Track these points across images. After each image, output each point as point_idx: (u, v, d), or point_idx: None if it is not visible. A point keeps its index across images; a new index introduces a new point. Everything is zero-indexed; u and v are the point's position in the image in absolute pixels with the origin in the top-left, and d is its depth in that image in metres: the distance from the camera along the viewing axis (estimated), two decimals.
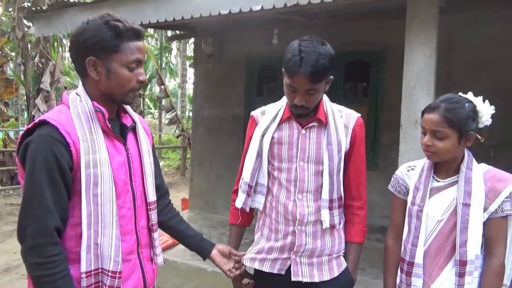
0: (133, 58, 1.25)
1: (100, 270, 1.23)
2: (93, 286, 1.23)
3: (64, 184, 1.18)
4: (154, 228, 1.41)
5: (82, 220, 1.19)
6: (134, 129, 1.40)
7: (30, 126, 1.21)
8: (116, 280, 1.24)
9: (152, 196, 1.40)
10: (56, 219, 1.16)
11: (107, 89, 1.27)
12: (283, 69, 1.48)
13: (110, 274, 1.23)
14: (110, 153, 1.26)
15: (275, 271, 1.61)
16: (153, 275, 1.44)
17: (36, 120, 1.21)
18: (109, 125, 1.26)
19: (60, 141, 1.17)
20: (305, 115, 1.56)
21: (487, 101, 1.45)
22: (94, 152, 1.21)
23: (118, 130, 1.34)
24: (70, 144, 1.18)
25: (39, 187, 1.14)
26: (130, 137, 1.37)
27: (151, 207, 1.40)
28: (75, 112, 1.23)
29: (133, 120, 1.40)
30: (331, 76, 1.50)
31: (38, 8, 4.53)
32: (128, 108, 1.41)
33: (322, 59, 1.40)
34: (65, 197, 1.19)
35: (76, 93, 1.28)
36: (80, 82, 1.31)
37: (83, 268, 1.20)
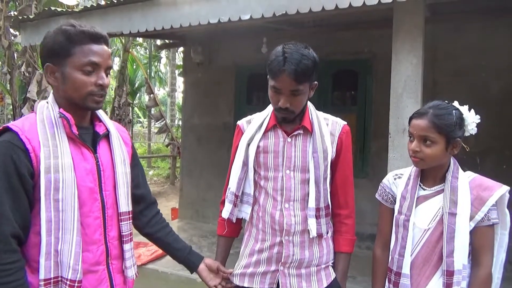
0: (86, 60, 1.23)
1: (59, 279, 1.19)
2: None
3: (25, 191, 1.16)
4: (125, 239, 1.36)
5: (41, 225, 1.17)
6: (108, 138, 1.37)
7: None
8: None
9: (124, 206, 1.35)
10: (13, 226, 1.13)
11: (65, 94, 1.26)
12: (267, 73, 1.48)
13: (68, 283, 1.19)
14: (75, 160, 1.23)
15: (266, 287, 1.58)
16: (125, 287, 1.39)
17: (0, 127, 1.21)
18: (75, 131, 1.24)
19: (20, 147, 1.16)
20: (290, 120, 1.55)
21: (472, 110, 1.46)
22: (56, 157, 1.19)
23: (89, 138, 1.32)
24: (30, 150, 1.17)
25: None
26: (102, 145, 1.34)
27: (122, 217, 1.35)
28: (40, 118, 1.23)
29: (106, 128, 1.37)
30: (315, 82, 1.50)
31: (25, 16, 4.49)
32: (102, 116, 1.38)
33: (305, 60, 1.41)
34: (24, 203, 1.17)
35: (46, 101, 1.28)
36: (52, 91, 1.32)
37: (42, 276, 1.17)
